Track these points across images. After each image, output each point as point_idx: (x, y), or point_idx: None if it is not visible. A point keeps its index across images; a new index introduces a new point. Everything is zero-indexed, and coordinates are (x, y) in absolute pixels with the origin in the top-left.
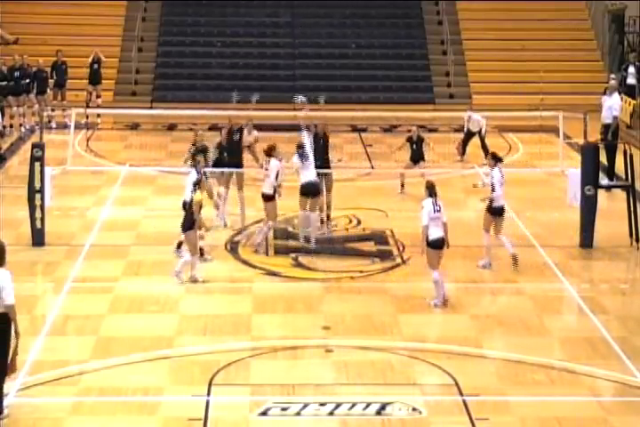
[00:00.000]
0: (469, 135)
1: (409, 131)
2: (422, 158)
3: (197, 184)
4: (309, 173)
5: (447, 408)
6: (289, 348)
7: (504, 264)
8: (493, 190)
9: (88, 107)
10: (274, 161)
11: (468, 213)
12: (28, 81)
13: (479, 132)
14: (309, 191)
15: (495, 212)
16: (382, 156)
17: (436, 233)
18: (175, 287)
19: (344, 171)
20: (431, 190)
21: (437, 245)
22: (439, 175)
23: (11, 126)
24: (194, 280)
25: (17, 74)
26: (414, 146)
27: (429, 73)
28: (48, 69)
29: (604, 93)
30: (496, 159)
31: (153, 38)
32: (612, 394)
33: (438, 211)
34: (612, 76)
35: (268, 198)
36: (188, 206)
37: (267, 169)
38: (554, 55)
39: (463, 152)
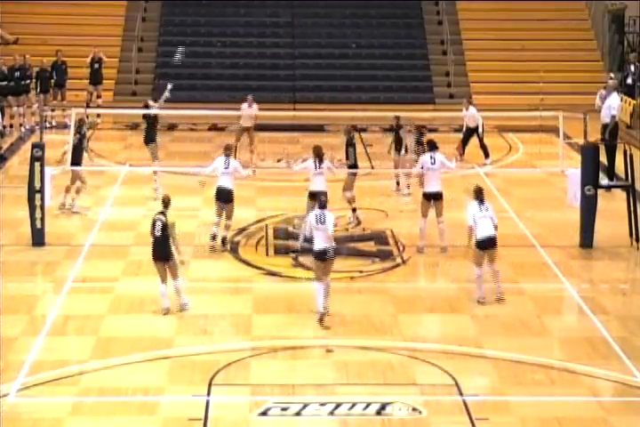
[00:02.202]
0: (468, 132)
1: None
2: (405, 149)
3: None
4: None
5: (447, 408)
6: (289, 348)
7: (504, 264)
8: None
9: (88, 107)
10: (326, 162)
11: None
12: (28, 81)
13: (476, 129)
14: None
15: (426, 197)
16: (382, 156)
17: (482, 232)
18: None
19: (344, 171)
20: (478, 195)
21: (484, 244)
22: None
23: (11, 126)
24: (183, 309)
25: (17, 74)
26: (395, 133)
27: (429, 73)
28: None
29: (603, 97)
30: (430, 145)
31: (153, 38)
32: (612, 394)
33: (486, 210)
34: (611, 75)
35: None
36: (163, 231)
37: (321, 168)
38: (554, 55)
39: (462, 152)
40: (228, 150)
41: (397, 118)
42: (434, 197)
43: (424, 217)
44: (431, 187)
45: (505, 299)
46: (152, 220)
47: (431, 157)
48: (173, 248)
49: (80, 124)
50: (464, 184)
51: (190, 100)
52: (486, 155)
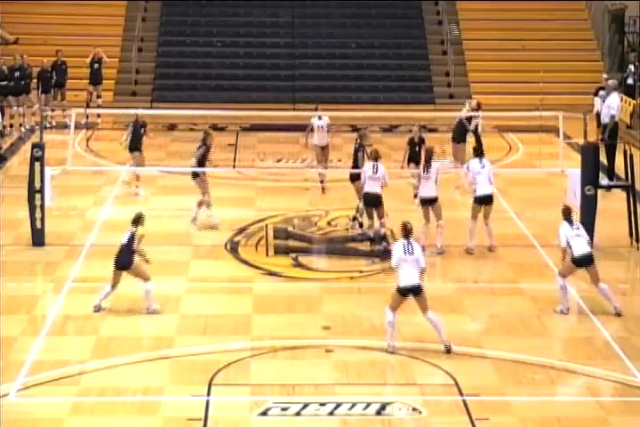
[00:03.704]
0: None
1: (410, 131)
2: (416, 159)
3: None
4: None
5: (447, 408)
6: (289, 348)
7: (504, 264)
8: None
9: (88, 107)
10: (435, 164)
11: (467, 214)
12: (27, 81)
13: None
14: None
15: (478, 200)
16: (382, 156)
17: (579, 250)
18: (175, 287)
19: (344, 171)
20: (567, 215)
21: (582, 262)
22: (440, 175)
23: (11, 126)
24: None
25: (17, 74)
26: (416, 148)
27: (429, 73)
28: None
29: (595, 94)
30: (476, 151)
31: (153, 38)
32: (612, 394)
33: (577, 229)
34: (605, 75)
35: (432, 202)
36: (130, 241)
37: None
38: (554, 55)
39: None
40: (377, 155)
41: (420, 130)
42: (485, 201)
43: (474, 219)
44: (483, 190)
45: (621, 313)
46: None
47: (480, 162)
48: (137, 257)
49: (206, 135)
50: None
51: (190, 101)
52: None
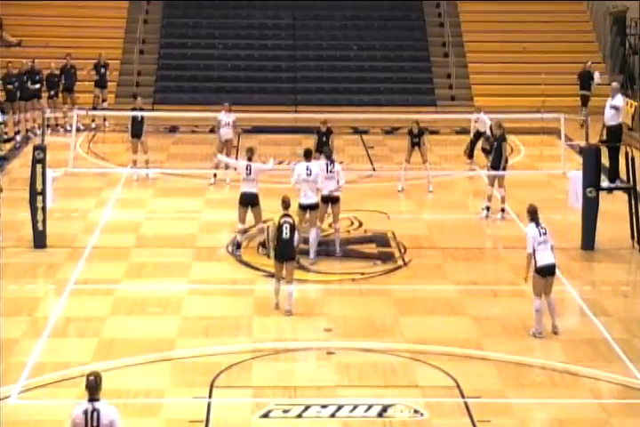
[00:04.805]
0: (478, 136)
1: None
2: (419, 144)
3: None
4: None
5: (449, 410)
6: (290, 350)
7: (505, 265)
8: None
9: (95, 109)
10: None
11: (470, 216)
12: (38, 86)
13: (485, 132)
14: None
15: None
16: (384, 158)
17: (544, 259)
18: (177, 289)
19: (345, 173)
20: (533, 215)
21: (547, 271)
22: (441, 177)
23: (18, 132)
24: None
25: (25, 78)
26: (415, 139)
27: (431, 75)
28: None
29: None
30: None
31: (154, 40)
32: (614, 396)
33: (544, 234)
34: (597, 73)
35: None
36: (291, 233)
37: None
38: (555, 57)
39: (471, 155)
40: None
41: (417, 123)
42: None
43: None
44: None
45: (559, 332)
46: (278, 223)
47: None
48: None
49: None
50: (469, 187)
51: (192, 103)
52: (470, 156)
